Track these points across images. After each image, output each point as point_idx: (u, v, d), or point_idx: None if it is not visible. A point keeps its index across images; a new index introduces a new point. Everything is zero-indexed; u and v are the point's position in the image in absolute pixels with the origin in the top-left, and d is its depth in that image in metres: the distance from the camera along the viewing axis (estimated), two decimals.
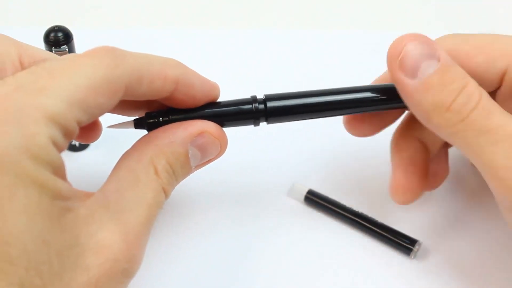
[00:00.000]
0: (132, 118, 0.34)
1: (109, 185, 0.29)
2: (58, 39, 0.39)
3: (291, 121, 0.35)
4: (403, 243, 0.39)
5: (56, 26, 0.39)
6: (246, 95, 0.34)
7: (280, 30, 0.56)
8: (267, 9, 0.59)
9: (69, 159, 0.43)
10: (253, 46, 0.54)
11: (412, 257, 0.39)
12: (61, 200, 0.26)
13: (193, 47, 0.53)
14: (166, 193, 0.31)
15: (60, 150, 0.27)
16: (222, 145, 0.33)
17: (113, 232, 0.28)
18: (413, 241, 0.39)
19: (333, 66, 0.52)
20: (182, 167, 0.31)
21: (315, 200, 0.41)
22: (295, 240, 0.40)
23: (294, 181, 0.42)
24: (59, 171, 0.27)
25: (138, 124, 0.33)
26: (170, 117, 0.32)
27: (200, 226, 0.40)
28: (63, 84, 0.27)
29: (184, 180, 0.36)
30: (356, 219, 0.40)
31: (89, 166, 0.40)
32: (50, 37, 0.39)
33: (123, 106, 0.34)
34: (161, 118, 0.32)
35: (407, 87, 0.32)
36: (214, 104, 0.33)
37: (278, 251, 0.39)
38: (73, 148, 0.44)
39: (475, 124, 0.31)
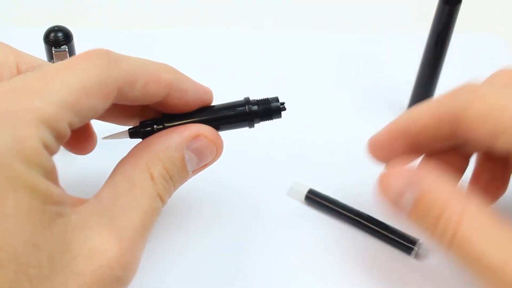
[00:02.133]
0: (126, 128, 0.34)
1: (104, 192, 0.29)
2: (58, 39, 0.39)
3: None
4: (404, 243, 0.39)
5: (56, 26, 0.39)
6: (244, 96, 0.34)
7: (278, 31, 0.56)
8: (266, 10, 0.59)
9: (71, 160, 0.43)
10: (252, 47, 0.54)
11: (413, 256, 0.39)
12: (53, 205, 0.26)
13: (193, 48, 0.53)
14: (162, 200, 0.30)
15: (51, 153, 0.26)
16: (218, 148, 0.33)
17: (107, 238, 0.27)
18: (414, 241, 0.39)
19: (332, 67, 0.52)
20: (179, 172, 0.31)
21: (315, 199, 0.41)
22: (295, 239, 0.40)
23: (294, 181, 0.42)
24: (51, 175, 0.26)
25: (133, 133, 0.33)
26: (164, 124, 0.32)
27: (198, 226, 0.40)
28: (55, 86, 0.26)
29: None
30: (357, 218, 0.40)
31: (91, 167, 0.40)
32: (50, 37, 0.39)
33: (117, 113, 0.34)
34: (155, 126, 0.32)
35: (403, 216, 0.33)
36: (207, 108, 0.33)
37: (279, 251, 0.39)
38: None
39: (458, 253, 0.31)
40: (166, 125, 0.32)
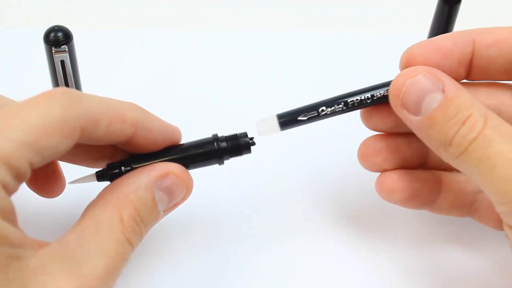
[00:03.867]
0: (94, 171, 0.33)
1: (69, 235, 0.28)
2: (58, 39, 0.39)
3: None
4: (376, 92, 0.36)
5: (56, 26, 0.39)
6: (241, 95, 0.33)
7: (278, 31, 0.56)
8: (266, 10, 0.59)
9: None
10: (252, 47, 0.54)
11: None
12: (9, 247, 0.25)
13: (193, 47, 0.53)
14: (131, 244, 0.29)
15: (10, 192, 0.26)
16: (188, 185, 0.32)
17: (66, 284, 0.26)
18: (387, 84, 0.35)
19: (332, 67, 0.52)
20: (150, 213, 0.30)
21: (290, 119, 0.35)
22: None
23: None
24: (8, 215, 0.26)
25: (100, 176, 0.33)
26: (132, 165, 0.32)
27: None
28: (15, 125, 0.26)
29: None
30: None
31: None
32: (50, 37, 0.39)
33: (84, 154, 0.33)
34: (123, 168, 0.32)
35: (412, 124, 0.32)
36: (176, 146, 0.33)
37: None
38: None
39: (475, 153, 0.30)
40: (134, 166, 0.32)
